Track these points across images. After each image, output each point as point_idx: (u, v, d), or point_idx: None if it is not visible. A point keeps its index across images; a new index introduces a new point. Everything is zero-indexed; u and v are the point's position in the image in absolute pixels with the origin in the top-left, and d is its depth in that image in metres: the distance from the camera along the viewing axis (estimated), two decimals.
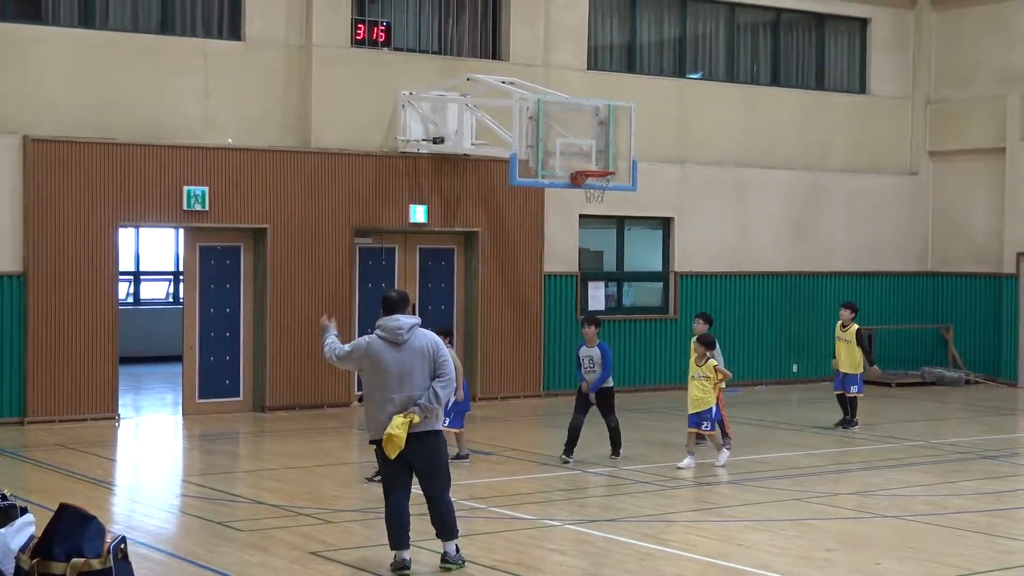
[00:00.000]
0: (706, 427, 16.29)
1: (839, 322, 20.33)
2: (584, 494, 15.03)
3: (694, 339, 16.85)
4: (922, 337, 26.06)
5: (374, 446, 11.02)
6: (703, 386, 16.28)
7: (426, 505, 11.10)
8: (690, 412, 16.42)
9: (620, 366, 23.91)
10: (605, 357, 16.61)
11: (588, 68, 24.08)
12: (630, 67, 24.89)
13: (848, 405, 19.99)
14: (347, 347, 11.13)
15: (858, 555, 12.05)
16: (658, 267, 25.07)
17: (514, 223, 22.88)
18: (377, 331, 10.94)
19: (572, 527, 12.92)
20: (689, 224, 25.01)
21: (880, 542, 12.77)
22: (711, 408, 16.24)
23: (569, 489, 15.09)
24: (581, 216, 23.60)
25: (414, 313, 11.25)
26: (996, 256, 26.76)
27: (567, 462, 16.38)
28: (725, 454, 16.44)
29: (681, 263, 24.95)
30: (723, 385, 16.67)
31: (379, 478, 14.76)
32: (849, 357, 20.00)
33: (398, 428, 10.60)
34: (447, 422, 14.14)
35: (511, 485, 15.19)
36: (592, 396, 16.63)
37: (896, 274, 27.43)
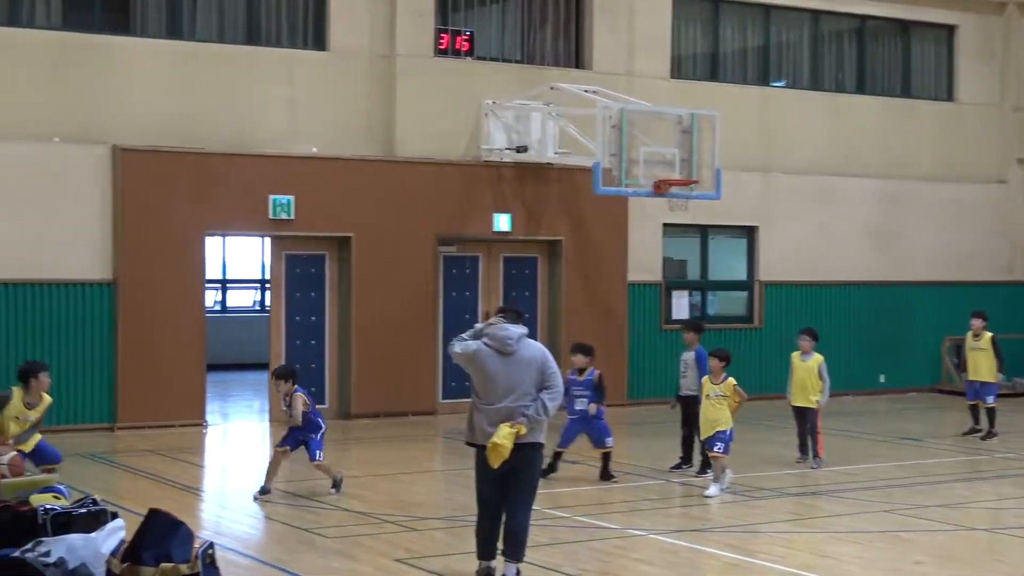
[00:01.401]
0: (719, 448, 15.15)
1: (970, 332, 20.21)
2: (670, 504, 14.96)
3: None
4: (1011, 348, 25.65)
5: (473, 448, 10.93)
6: (719, 405, 15.34)
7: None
8: (706, 436, 15.38)
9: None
10: (699, 361, 16.46)
11: (671, 76, 24.02)
12: (713, 75, 24.80)
13: (986, 416, 19.79)
14: (466, 345, 10.82)
15: (947, 568, 11.91)
16: (742, 276, 24.93)
17: (597, 232, 22.84)
18: (484, 339, 10.83)
19: (658, 537, 12.87)
20: (773, 233, 24.86)
21: (969, 555, 12.60)
22: (727, 430, 15.27)
23: (655, 499, 15.03)
24: (665, 225, 23.54)
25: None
26: None
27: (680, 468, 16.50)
28: (716, 488, 15.02)
29: (765, 272, 24.81)
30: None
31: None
32: (987, 366, 19.85)
33: (505, 438, 10.45)
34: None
35: (596, 494, 15.16)
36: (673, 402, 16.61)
37: (983, 283, 27.07)
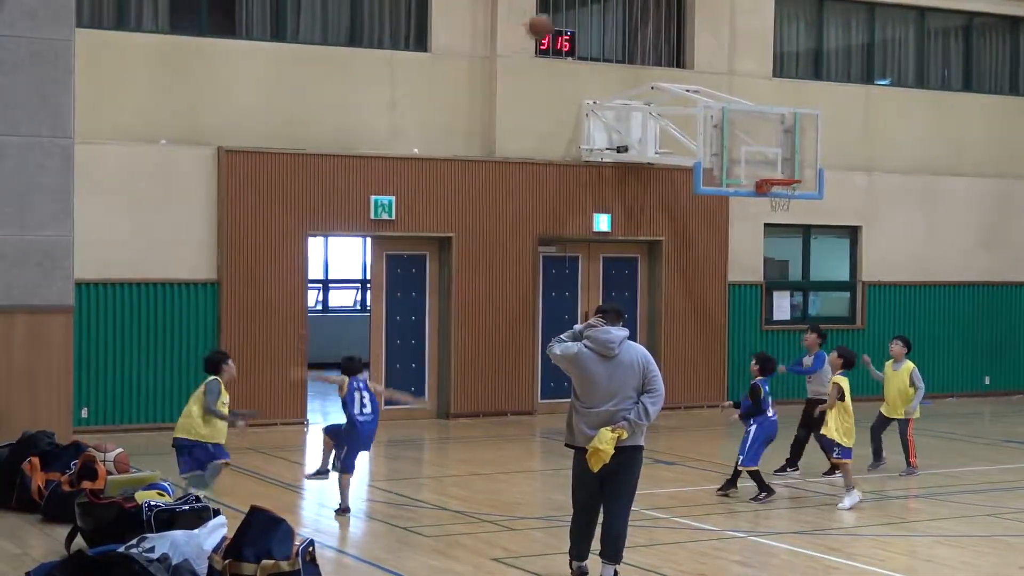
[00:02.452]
0: (836, 454, 14.80)
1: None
2: (769, 506, 14.84)
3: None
4: None
5: (571, 450, 10.91)
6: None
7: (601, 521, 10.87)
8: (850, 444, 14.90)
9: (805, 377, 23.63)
10: (815, 362, 16.55)
11: (773, 75, 23.85)
12: (816, 74, 24.58)
13: None
14: (566, 347, 10.74)
15: None
16: (845, 276, 24.69)
17: (698, 232, 22.75)
18: (585, 342, 10.77)
19: (756, 539, 12.82)
20: (876, 233, 24.59)
21: None
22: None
23: (753, 500, 14.92)
24: (766, 225, 23.38)
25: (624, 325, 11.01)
26: None
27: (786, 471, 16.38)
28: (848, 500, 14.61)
29: (868, 272, 24.54)
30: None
31: (318, 473, 15.03)
32: None
33: (607, 443, 10.39)
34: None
35: (694, 495, 15.11)
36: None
37: None
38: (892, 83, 25.46)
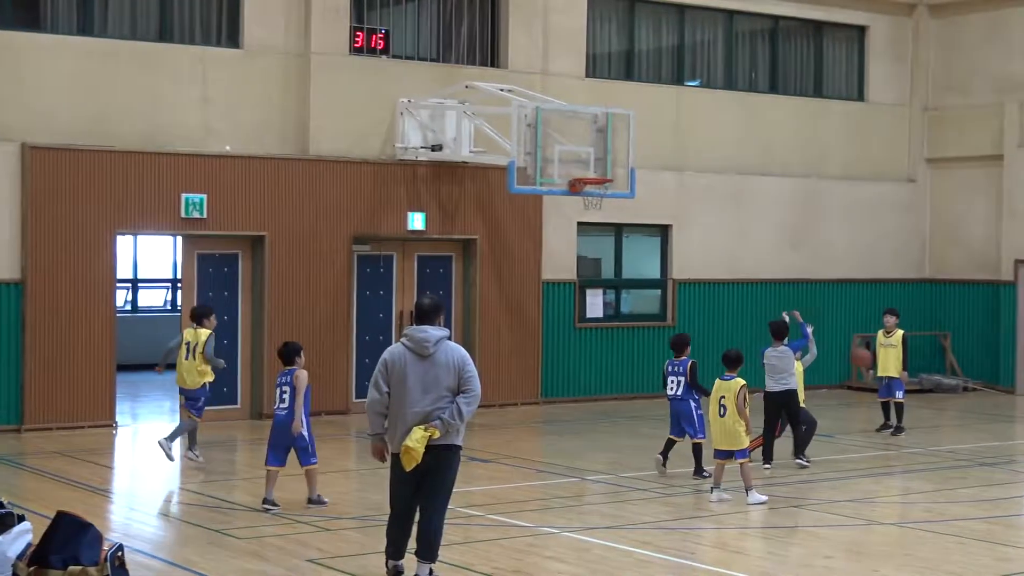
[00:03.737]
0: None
1: (882, 329, 20.53)
2: (582, 502, 15.01)
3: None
4: (920, 344, 26.01)
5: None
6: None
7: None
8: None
9: (617, 374, 23.98)
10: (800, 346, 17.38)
11: (586, 76, 24.09)
12: (628, 75, 24.91)
13: (894, 411, 20.13)
14: (376, 374, 10.71)
15: (857, 563, 12.06)
16: (656, 274, 25.06)
17: (512, 230, 22.88)
18: (403, 340, 10.73)
19: (570, 535, 12.92)
20: (687, 231, 25.01)
21: (879, 550, 12.77)
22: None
23: (567, 497, 15.07)
24: (579, 223, 23.60)
25: (442, 323, 10.95)
26: (994, 263, 26.77)
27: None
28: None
29: (679, 270, 24.95)
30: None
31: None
32: (895, 362, 20.22)
33: (416, 442, 10.36)
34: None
35: (509, 493, 15.18)
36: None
37: (894, 281, 27.44)
38: (702, 84, 25.93)
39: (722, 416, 14.77)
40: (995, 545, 12.73)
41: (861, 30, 27.46)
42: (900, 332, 20.38)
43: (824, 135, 26.79)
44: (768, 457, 16.82)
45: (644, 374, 24.36)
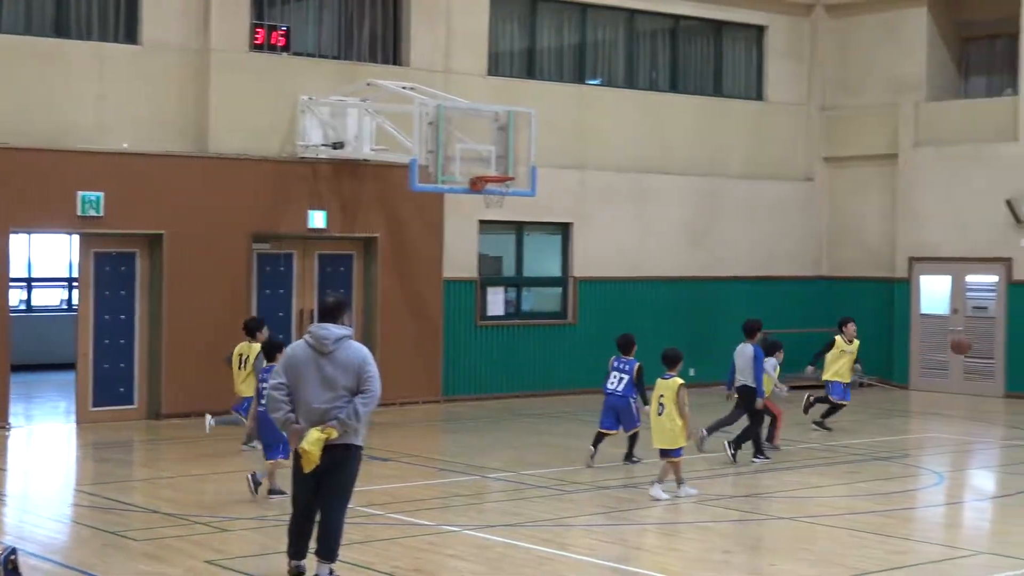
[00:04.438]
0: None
1: (843, 336, 20.81)
2: (483, 500, 15.02)
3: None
4: (817, 340, 26.29)
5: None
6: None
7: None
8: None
9: (518, 372, 24.02)
10: (756, 358, 17.62)
11: (488, 74, 24.10)
12: (530, 73, 24.95)
13: (825, 408, 20.59)
14: (275, 368, 10.71)
15: (754, 557, 12.19)
16: (557, 272, 25.13)
17: (414, 229, 22.82)
18: (306, 337, 10.67)
19: (471, 533, 12.91)
20: (588, 229, 25.11)
21: (775, 544, 12.92)
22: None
23: (468, 495, 15.08)
24: (481, 222, 23.60)
25: (347, 321, 10.89)
26: (888, 261, 27.18)
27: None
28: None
29: (580, 268, 25.05)
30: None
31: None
32: (849, 367, 20.64)
33: (312, 444, 10.31)
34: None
35: (410, 491, 15.15)
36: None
37: (792, 279, 27.76)
38: (603, 83, 26.04)
39: (660, 415, 14.92)
40: (889, 538, 12.91)
41: (760, 30, 27.73)
42: (857, 341, 20.78)
43: (724, 134, 27.02)
44: (758, 450, 17.44)
45: (545, 372, 24.43)
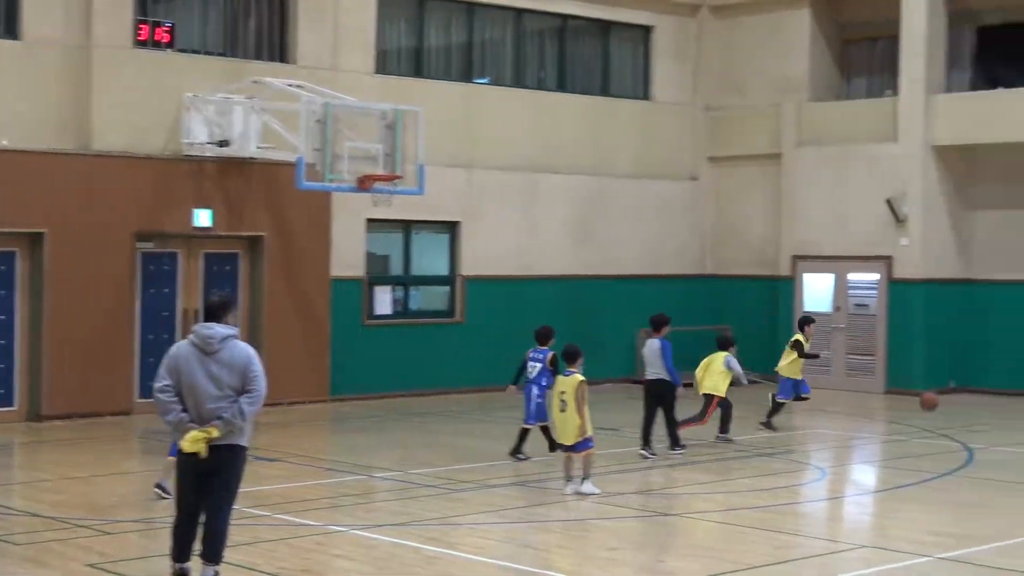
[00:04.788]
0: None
1: (803, 335, 21.08)
2: (371, 499, 14.96)
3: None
4: (703, 338, 26.55)
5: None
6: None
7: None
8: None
9: (406, 371, 23.96)
10: (664, 352, 17.77)
11: (376, 72, 24.01)
12: (418, 72, 24.90)
13: (774, 407, 20.86)
14: (160, 376, 10.50)
15: (641, 553, 12.26)
16: (445, 271, 25.11)
17: (301, 227, 22.68)
18: (191, 336, 10.55)
19: (359, 532, 12.85)
20: (476, 228, 25.12)
21: (662, 540, 13.02)
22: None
23: (356, 495, 15.01)
24: (368, 220, 23.51)
25: (233, 320, 10.75)
26: (772, 259, 27.54)
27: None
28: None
29: (468, 267, 25.05)
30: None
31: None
32: (800, 366, 20.96)
33: (191, 444, 10.22)
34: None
35: (296, 491, 15.05)
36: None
37: (678, 277, 28.00)
38: (491, 82, 26.07)
39: (563, 411, 14.95)
40: (773, 533, 13.06)
41: (647, 30, 27.94)
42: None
43: (611, 133, 27.18)
44: (646, 443, 17.62)
45: (433, 371, 24.40)
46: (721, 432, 19.07)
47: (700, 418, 18.99)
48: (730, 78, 28.32)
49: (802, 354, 20.84)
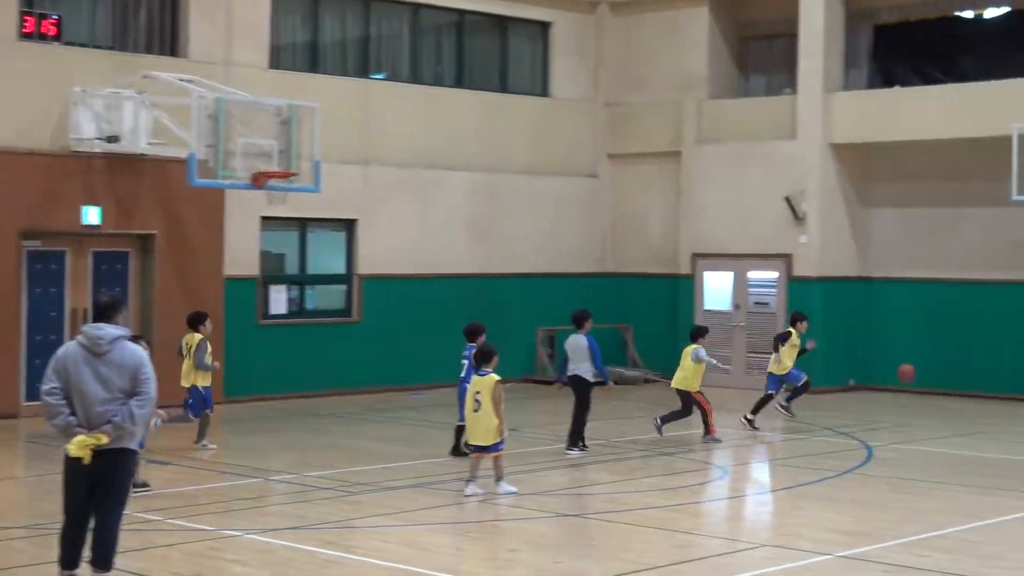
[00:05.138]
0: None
1: (797, 332, 21.36)
2: (266, 503, 14.68)
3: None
4: (603, 337, 26.48)
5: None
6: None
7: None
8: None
9: (302, 371, 23.63)
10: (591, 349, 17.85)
11: (270, 67, 23.65)
12: (313, 67, 24.56)
13: (762, 402, 20.95)
14: (47, 378, 10.13)
15: (540, 554, 12.11)
16: (341, 270, 24.79)
17: (193, 225, 22.26)
18: (79, 337, 10.21)
19: (254, 537, 12.58)
20: (373, 226, 24.83)
21: (561, 541, 12.89)
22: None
23: (250, 498, 14.71)
24: (263, 218, 23.13)
25: (123, 321, 10.41)
26: (672, 257, 27.55)
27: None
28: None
29: (364, 265, 24.75)
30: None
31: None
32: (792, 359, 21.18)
33: (78, 449, 9.88)
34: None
35: (189, 495, 14.73)
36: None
37: (578, 275, 27.90)
38: (388, 78, 25.79)
39: (476, 411, 14.71)
40: (674, 532, 13.00)
41: (545, 26, 27.82)
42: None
43: (509, 130, 27.02)
44: (574, 440, 17.77)
45: (329, 371, 24.06)
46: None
47: (684, 414, 19.27)
48: (630, 75, 28.29)
49: (801, 349, 21.25)
